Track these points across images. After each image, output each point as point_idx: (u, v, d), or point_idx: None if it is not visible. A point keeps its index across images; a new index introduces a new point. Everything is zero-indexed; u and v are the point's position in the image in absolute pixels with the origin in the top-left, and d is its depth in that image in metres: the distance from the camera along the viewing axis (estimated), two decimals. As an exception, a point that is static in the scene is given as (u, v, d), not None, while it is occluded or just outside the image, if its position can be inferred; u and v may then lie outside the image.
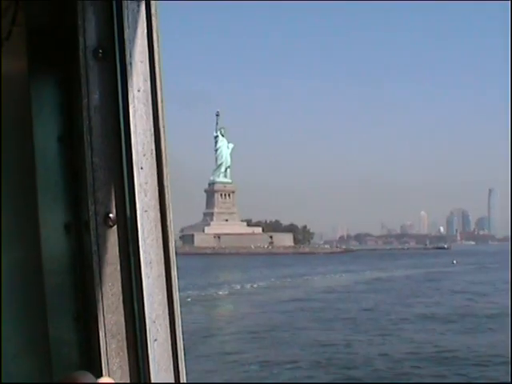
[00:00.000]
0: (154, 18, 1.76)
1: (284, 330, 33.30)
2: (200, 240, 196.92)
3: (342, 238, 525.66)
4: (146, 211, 1.73)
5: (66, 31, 1.83)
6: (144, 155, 1.74)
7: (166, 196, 1.76)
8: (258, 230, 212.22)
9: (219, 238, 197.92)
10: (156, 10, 1.76)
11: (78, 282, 1.86)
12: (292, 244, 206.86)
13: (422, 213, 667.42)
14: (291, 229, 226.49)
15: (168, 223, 1.75)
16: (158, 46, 1.76)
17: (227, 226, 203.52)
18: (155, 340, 1.73)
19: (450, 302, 46.52)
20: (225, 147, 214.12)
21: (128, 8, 1.74)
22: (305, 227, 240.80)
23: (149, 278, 1.72)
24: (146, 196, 1.74)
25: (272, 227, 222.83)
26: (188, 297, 49.96)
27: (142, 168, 1.74)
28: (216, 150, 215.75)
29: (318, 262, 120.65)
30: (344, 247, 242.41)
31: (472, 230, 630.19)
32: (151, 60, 1.76)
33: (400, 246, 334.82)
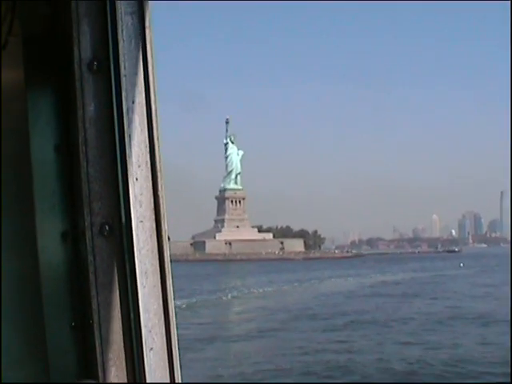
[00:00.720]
0: (147, 31, 1.78)
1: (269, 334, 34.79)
2: (211, 247, 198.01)
3: (353, 242, 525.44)
4: (141, 221, 1.76)
5: (62, 42, 1.87)
6: (139, 166, 1.76)
7: (161, 206, 1.78)
8: (269, 236, 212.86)
9: (230, 244, 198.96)
10: (150, 23, 1.79)
11: (75, 290, 1.89)
12: (303, 249, 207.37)
13: (434, 216, 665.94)
14: (302, 234, 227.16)
15: (163, 233, 1.78)
16: (152, 58, 1.79)
17: (238, 233, 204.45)
18: (151, 349, 1.74)
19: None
20: (235, 154, 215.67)
21: (122, 21, 1.76)
22: (315, 232, 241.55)
23: (144, 287, 1.74)
24: (141, 207, 1.76)
25: (283, 233, 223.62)
26: (196, 301, 52.26)
27: (136, 179, 1.76)
28: (226, 157, 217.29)
29: (328, 266, 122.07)
30: (354, 252, 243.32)
31: (484, 232, 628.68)
32: (145, 72, 1.78)
33: (411, 250, 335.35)
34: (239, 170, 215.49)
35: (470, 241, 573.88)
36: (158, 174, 1.79)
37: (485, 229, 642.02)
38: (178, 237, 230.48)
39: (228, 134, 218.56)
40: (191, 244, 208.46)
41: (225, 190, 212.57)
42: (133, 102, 1.77)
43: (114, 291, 1.78)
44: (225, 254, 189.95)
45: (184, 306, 48.60)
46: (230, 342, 32.74)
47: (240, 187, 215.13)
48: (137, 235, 1.75)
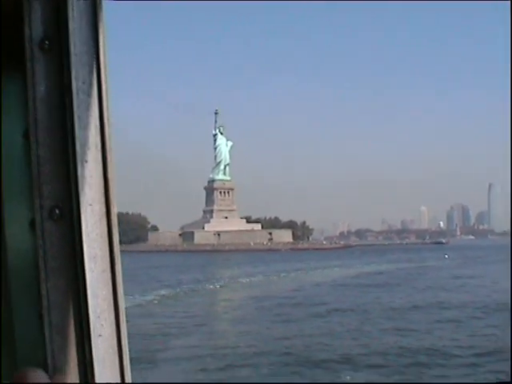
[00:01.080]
0: (99, 9, 1.75)
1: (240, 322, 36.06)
2: (200, 237, 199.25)
3: (342, 233, 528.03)
4: (90, 205, 1.72)
5: (13, 21, 1.81)
6: (88, 148, 1.73)
7: (111, 190, 1.75)
8: (258, 226, 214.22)
9: (219, 235, 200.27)
10: (101, 2, 1.76)
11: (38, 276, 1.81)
12: (291, 240, 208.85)
13: (423, 208, 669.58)
14: (290, 225, 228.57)
15: (112, 217, 1.75)
16: (104, 38, 1.76)
17: (227, 223, 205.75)
18: (100, 335, 1.72)
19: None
20: (224, 145, 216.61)
21: None
22: (304, 223, 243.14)
23: (93, 272, 1.71)
24: (90, 190, 1.72)
25: (271, 224, 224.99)
26: (182, 290, 53.55)
27: (86, 161, 1.72)
28: (215, 148, 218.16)
29: (315, 257, 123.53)
30: (343, 243, 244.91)
31: (472, 224, 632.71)
32: (96, 51, 1.75)
33: (399, 241, 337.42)
34: (228, 161, 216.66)
35: (458, 232, 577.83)
36: (108, 157, 1.75)
37: (473, 221, 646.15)
38: (166, 227, 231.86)
39: (217, 125, 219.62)
40: (180, 234, 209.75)
41: (213, 180, 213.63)
42: (83, 83, 1.74)
43: (63, 276, 1.73)
44: (213, 245, 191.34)
45: (168, 295, 50.01)
46: (212, 327, 34.04)
47: (229, 178, 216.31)
48: (85, 219, 1.71)
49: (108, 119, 1.76)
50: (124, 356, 1.75)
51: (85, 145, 1.73)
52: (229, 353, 26.20)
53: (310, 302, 43.99)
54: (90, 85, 1.75)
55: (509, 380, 19.31)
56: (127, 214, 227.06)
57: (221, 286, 59.59)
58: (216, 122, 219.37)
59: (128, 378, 1.78)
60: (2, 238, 1.84)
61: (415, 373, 22.08)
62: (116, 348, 1.74)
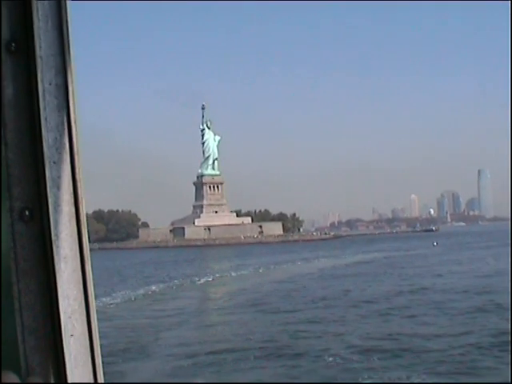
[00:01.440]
0: (63, 11, 1.75)
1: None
2: (190, 232, 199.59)
3: (332, 224, 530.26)
4: (59, 206, 1.73)
5: None
6: (56, 149, 1.73)
7: (79, 190, 1.75)
8: (248, 220, 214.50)
9: (209, 229, 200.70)
10: (66, 4, 1.76)
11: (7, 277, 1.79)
12: (281, 233, 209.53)
13: (413, 196, 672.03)
14: (280, 218, 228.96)
15: (81, 217, 1.75)
16: (69, 39, 1.76)
17: (217, 218, 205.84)
18: (71, 335, 1.73)
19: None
20: (211, 139, 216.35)
21: (38, 0, 1.74)
22: (294, 215, 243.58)
23: (63, 273, 1.71)
24: (58, 190, 1.73)
25: (261, 217, 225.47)
26: (174, 285, 54.79)
27: (54, 162, 1.73)
28: (203, 143, 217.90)
29: (305, 249, 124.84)
30: (333, 233, 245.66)
31: (462, 211, 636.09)
32: (62, 53, 1.75)
33: (389, 230, 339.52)
34: (216, 156, 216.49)
35: (449, 219, 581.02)
36: (76, 157, 1.76)
37: (463, 207, 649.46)
38: (157, 223, 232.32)
39: (204, 119, 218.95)
40: (170, 230, 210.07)
41: (202, 175, 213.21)
42: (49, 84, 1.75)
43: (34, 277, 1.74)
44: (204, 240, 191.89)
45: (157, 290, 51.22)
46: (198, 321, 35.25)
47: (217, 172, 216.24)
48: (55, 219, 1.72)
49: (76, 121, 1.77)
50: (96, 356, 1.77)
51: (53, 146, 1.73)
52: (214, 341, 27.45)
53: (296, 293, 45.25)
54: (57, 86, 1.75)
55: (509, 381, 19.41)
56: (117, 211, 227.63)
57: (208, 281, 60.73)
58: (203, 116, 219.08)
59: (100, 378, 1.80)
60: None
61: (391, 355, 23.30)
62: (88, 348, 1.76)
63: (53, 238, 1.71)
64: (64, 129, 1.76)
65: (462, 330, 27.45)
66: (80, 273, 1.75)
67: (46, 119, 1.73)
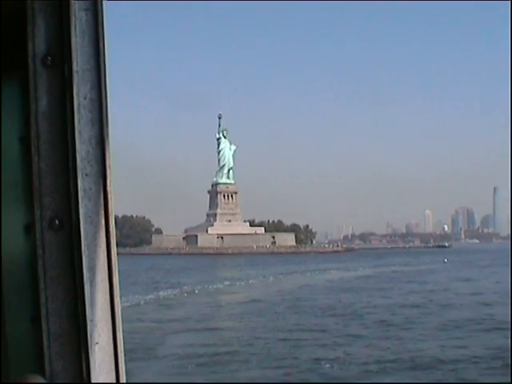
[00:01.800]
0: (100, 28, 1.81)
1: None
2: (203, 240, 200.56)
3: (346, 237, 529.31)
4: (89, 217, 1.77)
5: (17, 37, 1.85)
6: (89, 162, 1.78)
7: (110, 202, 1.80)
8: (261, 230, 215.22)
9: (222, 238, 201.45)
10: (103, 19, 1.82)
11: (36, 283, 1.85)
12: (294, 244, 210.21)
13: (427, 211, 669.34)
14: (294, 229, 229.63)
15: (111, 229, 1.80)
16: (104, 55, 1.81)
17: (230, 227, 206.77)
18: (96, 343, 1.77)
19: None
20: (227, 149, 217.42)
21: (76, 16, 1.79)
22: (307, 227, 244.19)
23: (91, 282, 1.75)
24: (89, 201, 1.77)
25: (275, 227, 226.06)
26: (184, 291, 56.08)
27: (86, 174, 1.77)
28: (219, 152, 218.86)
29: (316, 260, 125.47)
30: (345, 246, 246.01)
31: (476, 228, 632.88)
32: (97, 68, 1.80)
33: (402, 245, 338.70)
34: (231, 165, 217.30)
35: (463, 236, 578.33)
36: (108, 170, 1.79)
37: (477, 224, 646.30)
38: (170, 230, 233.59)
39: (221, 128, 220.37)
40: (183, 238, 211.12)
41: (217, 184, 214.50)
42: (84, 98, 1.79)
43: (61, 285, 1.78)
44: (216, 248, 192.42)
45: (171, 295, 52.54)
46: (201, 325, 36.46)
47: (232, 182, 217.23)
48: (85, 230, 1.75)
49: (108, 135, 1.81)
50: (120, 364, 1.80)
51: (85, 158, 1.78)
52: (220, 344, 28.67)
53: (300, 303, 46.37)
54: (91, 101, 1.80)
55: (509, 381, 19.62)
56: (131, 217, 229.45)
57: (218, 288, 61.94)
58: (220, 125, 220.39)
59: None
60: None
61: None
62: (113, 356, 1.79)
63: (82, 247, 1.76)
64: (97, 143, 1.80)
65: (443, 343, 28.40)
66: (107, 283, 1.79)
67: (79, 132, 1.78)
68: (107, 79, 1.83)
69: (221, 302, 50.94)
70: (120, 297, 1.79)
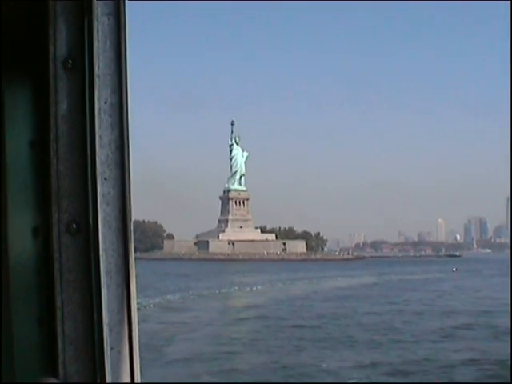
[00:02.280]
0: (122, 32, 1.81)
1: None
2: (214, 246, 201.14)
3: (357, 245, 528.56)
4: (107, 221, 1.77)
5: (38, 39, 1.86)
6: (108, 166, 1.78)
7: (128, 207, 1.79)
8: (272, 236, 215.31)
9: (233, 244, 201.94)
10: (125, 24, 1.82)
11: (44, 286, 1.85)
12: (305, 251, 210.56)
13: (440, 220, 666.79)
14: (305, 236, 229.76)
15: (129, 234, 1.79)
16: (126, 60, 1.81)
17: (241, 233, 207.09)
18: (112, 348, 1.77)
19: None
20: (240, 155, 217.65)
21: (98, 20, 1.79)
22: (318, 234, 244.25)
23: (108, 287, 1.76)
24: (108, 206, 1.78)
25: (286, 234, 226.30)
26: (192, 295, 57.49)
27: (105, 179, 1.78)
28: (231, 159, 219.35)
29: (325, 268, 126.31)
30: (355, 254, 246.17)
31: (489, 237, 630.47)
32: (119, 73, 1.81)
33: (413, 254, 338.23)
34: (244, 171, 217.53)
35: (475, 246, 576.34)
36: (127, 175, 1.79)
37: (490, 234, 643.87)
38: (182, 236, 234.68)
39: (233, 135, 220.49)
40: (195, 243, 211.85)
41: (229, 190, 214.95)
42: (105, 103, 1.79)
43: (78, 289, 1.78)
44: (227, 254, 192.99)
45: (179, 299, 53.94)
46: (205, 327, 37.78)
47: (244, 188, 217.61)
48: (103, 234, 1.76)
49: (128, 139, 1.82)
50: (136, 369, 1.81)
51: (105, 163, 1.79)
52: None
53: (300, 310, 47.58)
54: (112, 105, 1.81)
55: (509, 381, 20.30)
56: (143, 221, 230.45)
57: (225, 292, 63.30)
58: (232, 132, 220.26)
59: None
60: (5, 245, 1.86)
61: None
62: (128, 362, 1.79)
63: (100, 252, 1.76)
64: (117, 147, 1.80)
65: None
66: (124, 288, 1.79)
67: (100, 136, 1.78)
68: (128, 84, 1.84)
69: (226, 306, 52.24)
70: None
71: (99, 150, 1.79)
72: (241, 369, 25.57)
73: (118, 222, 1.80)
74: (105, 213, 1.79)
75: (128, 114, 1.83)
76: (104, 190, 1.79)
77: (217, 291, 63.41)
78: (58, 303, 1.79)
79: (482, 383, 22.14)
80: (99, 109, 1.80)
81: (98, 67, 1.80)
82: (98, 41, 1.80)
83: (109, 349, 1.77)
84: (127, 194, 1.81)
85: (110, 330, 1.77)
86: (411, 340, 32.29)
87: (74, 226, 1.79)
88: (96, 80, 1.80)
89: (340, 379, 23.56)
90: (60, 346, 1.79)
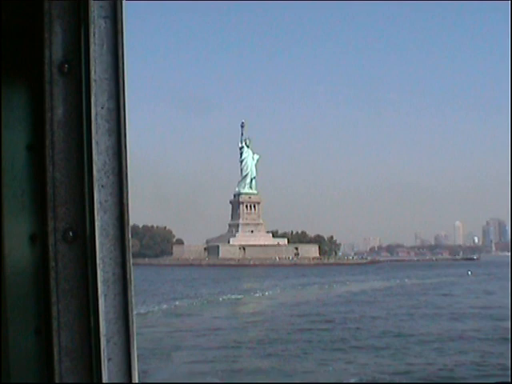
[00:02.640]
0: (119, 36, 1.81)
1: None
2: (225, 251, 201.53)
3: (372, 249, 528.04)
4: (105, 229, 1.77)
5: (34, 42, 1.85)
6: (105, 173, 1.78)
7: (126, 215, 1.79)
8: (284, 241, 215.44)
9: (244, 249, 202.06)
10: (122, 28, 1.81)
11: (41, 295, 1.84)
12: (317, 255, 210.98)
13: (457, 223, 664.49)
14: (317, 240, 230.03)
15: (126, 242, 1.80)
16: (123, 64, 1.81)
17: (252, 238, 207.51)
18: (109, 359, 1.76)
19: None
20: (250, 158, 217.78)
21: (95, 24, 1.79)
22: (331, 238, 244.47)
23: (105, 296, 1.75)
24: (105, 214, 1.77)
25: (298, 238, 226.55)
26: (200, 301, 58.64)
27: (102, 186, 1.77)
28: (241, 162, 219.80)
29: (337, 273, 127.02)
30: (370, 259, 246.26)
31: (508, 240, 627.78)
32: (116, 78, 1.80)
33: (429, 257, 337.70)
34: (254, 175, 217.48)
35: (493, 248, 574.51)
36: (124, 182, 1.79)
37: (509, 236, 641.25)
38: (191, 241, 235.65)
39: (243, 137, 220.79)
40: (205, 248, 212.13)
41: (239, 194, 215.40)
42: (102, 108, 1.79)
43: (74, 299, 1.77)
44: (238, 260, 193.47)
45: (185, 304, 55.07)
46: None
47: (255, 191, 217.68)
48: (100, 243, 1.76)
49: (126, 145, 1.81)
50: (134, 381, 1.80)
51: (102, 170, 1.79)
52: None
53: (308, 314, 48.56)
54: (109, 110, 1.81)
55: (509, 380, 20.77)
56: (152, 227, 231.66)
57: (234, 299, 64.37)
58: (242, 134, 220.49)
59: None
60: (1, 252, 1.85)
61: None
62: (126, 373, 1.79)
63: (97, 261, 1.77)
64: (114, 153, 1.81)
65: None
66: (122, 297, 1.79)
67: (97, 143, 1.79)
68: (125, 89, 1.84)
69: (233, 313, 53.18)
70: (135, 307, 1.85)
71: (96, 157, 1.79)
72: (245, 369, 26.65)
73: (115, 230, 1.81)
74: (102, 220, 1.79)
75: (125, 119, 1.83)
76: (101, 197, 1.79)
77: (225, 297, 64.47)
78: (54, 313, 1.79)
79: (482, 383, 22.64)
80: (96, 114, 1.80)
81: (95, 71, 1.80)
82: (95, 44, 1.81)
83: (106, 360, 1.77)
84: (125, 201, 1.82)
85: (108, 341, 1.77)
86: (415, 343, 33.16)
87: (71, 233, 1.79)
88: (93, 85, 1.80)
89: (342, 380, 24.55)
90: (56, 357, 1.78)
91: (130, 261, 1.82)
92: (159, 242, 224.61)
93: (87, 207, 1.80)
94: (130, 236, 1.83)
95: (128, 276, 1.80)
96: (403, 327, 40.24)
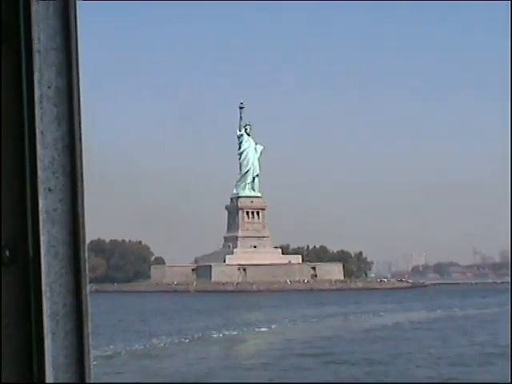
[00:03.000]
0: None
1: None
2: (219, 273, 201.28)
3: (416, 268, 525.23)
4: (53, 246, 1.75)
5: None
6: (53, 173, 1.76)
7: (80, 228, 1.76)
8: (297, 259, 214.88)
9: (245, 270, 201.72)
10: None
11: None
12: (341, 277, 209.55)
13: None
14: (342, 257, 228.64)
15: (81, 263, 1.77)
16: (76, 30, 1.76)
17: (256, 255, 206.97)
18: None
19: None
20: (251, 150, 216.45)
21: None
22: (360, 254, 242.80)
23: (53, 335, 1.73)
24: (53, 227, 1.75)
25: (316, 255, 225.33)
26: (183, 338, 59.39)
27: (50, 189, 1.75)
28: (240, 154, 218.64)
29: (369, 300, 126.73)
30: (411, 281, 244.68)
31: None
32: (67, 48, 1.76)
33: (492, 280, 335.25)
34: (257, 172, 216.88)
35: None
36: (78, 184, 1.77)
37: None
38: (175, 259, 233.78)
39: (242, 122, 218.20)
40: (193, 270, 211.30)
41: (238, 197, 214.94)
42: (49, 87, 1.76)
43: (12, 340, 1.73)
44: (236, 284, 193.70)
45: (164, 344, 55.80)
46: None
47: (258, 194, 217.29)
48: (47, 264, 1.72)
49: (80, 136, 1.79)
50: None
51: (49, 168, 1.76)
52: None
53: (323, 354, 49.20)
54: (58, 90, 1.79)
55: (509, 381, 23.24)
56: (123, 242, 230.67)
57: (228, 335, 64.95)
58: (241, 118, 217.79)
59: None
60: None
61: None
62: None
63: (43, 288, 1.73)
64: (65, 147, 1.78)
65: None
66: (75, 336, 1.78)
67: (42, 133, 1.76)
68: (79, 63, 1.77)
69: (223, 353, 53.84)
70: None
71: (41, 152, 1.75)
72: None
73: (66, 248, 1.78)
74: (49, 235, 1.76)
75: (80, 102, 1.78)
76: (48, 204, 1.76)
77: (216, 333, 64.99)
78: None
79: (482, 383, 24.86)
80: (41, 95, 1.76)
81: (39, 39, 1.75)
82: (38, 4, 1.75)
83: None
84: (79, 209, 1.78)
85: None
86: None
87: (7, 253, 1.75)
88: (36, 57, 1.75)
89: None
90: None
91: (87, 288, 1.77)
92: (132, 262, 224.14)
93: (29, 218, 1.74)
94: (86, 255, 1.78)
95: (84, 308, 1.77)
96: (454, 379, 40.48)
